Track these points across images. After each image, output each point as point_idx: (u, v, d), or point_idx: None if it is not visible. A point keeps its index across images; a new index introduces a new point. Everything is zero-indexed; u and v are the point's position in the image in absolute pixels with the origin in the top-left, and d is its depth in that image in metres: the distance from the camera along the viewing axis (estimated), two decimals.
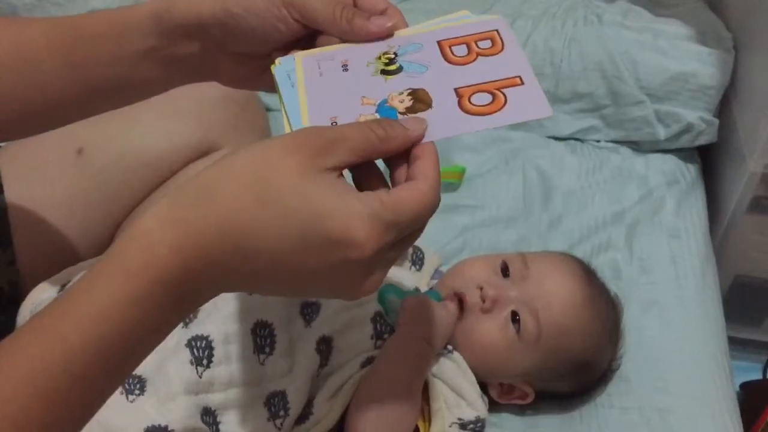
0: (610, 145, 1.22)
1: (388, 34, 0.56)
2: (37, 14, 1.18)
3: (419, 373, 0.74)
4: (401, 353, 0.74)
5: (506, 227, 1.08)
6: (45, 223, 0.84)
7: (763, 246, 1.20)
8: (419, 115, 0.51)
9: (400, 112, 0.51)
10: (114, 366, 0.46)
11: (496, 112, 0.51)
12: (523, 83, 0.52)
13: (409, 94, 0.52)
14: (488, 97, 0.52)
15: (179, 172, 0.93)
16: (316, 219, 0.44)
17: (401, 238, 0.47)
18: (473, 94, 0.52)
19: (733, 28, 1.20)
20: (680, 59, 1.16)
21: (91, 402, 0.46)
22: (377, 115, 0.51)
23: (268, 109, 1.13)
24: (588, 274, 0.87)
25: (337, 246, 0.44)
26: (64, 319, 0.44)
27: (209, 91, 0.93)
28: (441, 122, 0.50)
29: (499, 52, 0.55)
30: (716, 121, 1.18)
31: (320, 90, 0.53)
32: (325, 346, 0.75)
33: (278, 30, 0.56)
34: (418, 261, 0.89)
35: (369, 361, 0.75)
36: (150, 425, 0.70)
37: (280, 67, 0.56)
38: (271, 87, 0.56)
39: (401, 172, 0.49)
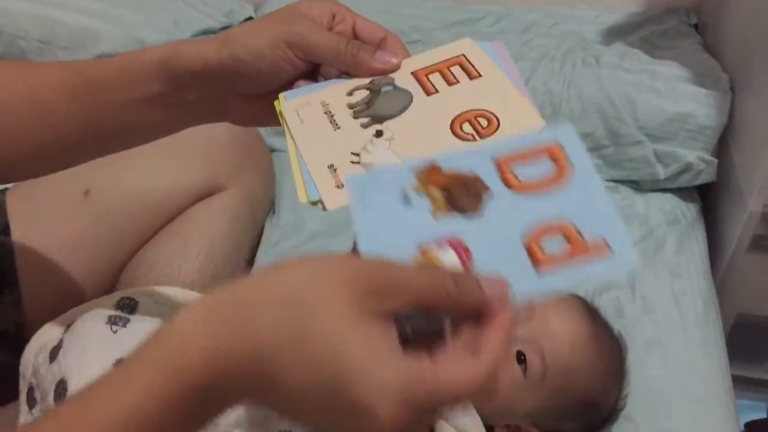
0: (611, 184, 1.23)
1: (393, 70, 0.57)
2: (46, 57, 1.20)
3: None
4: None
5: None
6: (51, 264, 0.84)
7: (764, 285, 1.21)
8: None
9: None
10: None
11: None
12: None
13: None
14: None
15: (184, 212, 0.94)
16: (340, 379, 0.40)
17: (434, 413, 0.44)
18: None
19: (729, 70, 1.22)
20: (678, 100, 1.17)
21: None
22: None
23: (272, 150, 1.14)
24: (592, 312, 0.87)
25: (354, 412, 0.40)
26: (87, 413, 0.43)
27: (214, 132, 0.95)
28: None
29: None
30: (715, 160, 1.19)
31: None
32: None
33: (284, 69, 0.57)
34: None
35: None
36: None
37: (287, 103, 0.56)
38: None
39: (464, 327, 0.43)
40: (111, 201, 0.88)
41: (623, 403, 0.88)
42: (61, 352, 0.75)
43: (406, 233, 0.46)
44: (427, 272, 0.43)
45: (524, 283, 0.44)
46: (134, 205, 0.89)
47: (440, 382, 0.40)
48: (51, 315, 0.80)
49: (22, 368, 0.78)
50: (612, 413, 0.87)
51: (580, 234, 0.45)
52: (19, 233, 0.83)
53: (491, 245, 0.46)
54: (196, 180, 0.94)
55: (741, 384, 1.23)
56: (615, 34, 1.36)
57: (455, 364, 0.41)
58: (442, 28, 1.40)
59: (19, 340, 0.81)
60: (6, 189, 0.89)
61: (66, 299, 0.83)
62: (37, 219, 0.86)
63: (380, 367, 0.40)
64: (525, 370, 0.79)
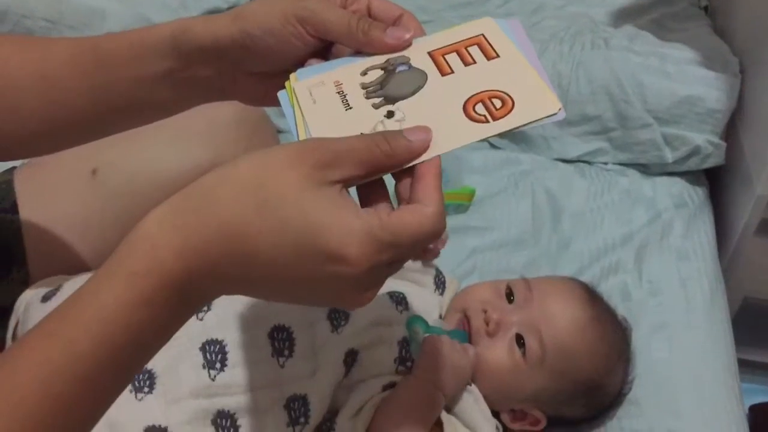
0: (618, 167, 1.22)
1: (406, 46, 0.56)
2: (53, 36, 1.20)
3: (427, 419, 0.74)
4: (413, 399, 0.74)
5: (516, 249, 1.09)
6: (59, 243, 0.85)
7: None
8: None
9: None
10: (122, 368, 0.47)
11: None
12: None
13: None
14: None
15: None
16: (311, 233, 0.44)
17: (399, 257, 0.47)
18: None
19: (738, 52, 1.22)
20: (687, 83, 1.17)
21: (99, 404, 0.47)
22: None
23: (279, 131, 1.14)
24: (591, 296, 0.87)
25: (329, 260, 0.44)
26: (72, 322, 0.45)
27: (221, 112, 0.94)
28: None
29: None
30: (723, 144, 1.18)
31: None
32: (351, 359, 0.75)
33: (295, 46, 0.56)
34: (440, 285, 0.89)
35: (391, 385, 0.75)
36: (150, 425, 0.70)
37: (300, 82, 0.55)
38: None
39: (405, 186, 0.49)
40: (118, 180, 0.88)
41: (629, 387, 0.88)
42: (57, 295, 0.76)
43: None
44: (362, 138, 0.48)
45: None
46: (141, 185, 0.89)
47: (398, 226, 0.45)
48: None
49: (16, 305, 0.79)
50: (617, 397, 0.87)
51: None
52: (27, 211, 0.83)
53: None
54: (203, 160, 0.93)
55: (746, 367, 1.23)
56: (624, 16, 1.35)
57: (407, 211, 0.47)
58: (450, 9, 1.39)
59: None
60: (14, 168, 0.89)
61: None
62: (45, 197, 0.86)
63: (343, 216, 0.45)
64: (524, 353, 0.80)
